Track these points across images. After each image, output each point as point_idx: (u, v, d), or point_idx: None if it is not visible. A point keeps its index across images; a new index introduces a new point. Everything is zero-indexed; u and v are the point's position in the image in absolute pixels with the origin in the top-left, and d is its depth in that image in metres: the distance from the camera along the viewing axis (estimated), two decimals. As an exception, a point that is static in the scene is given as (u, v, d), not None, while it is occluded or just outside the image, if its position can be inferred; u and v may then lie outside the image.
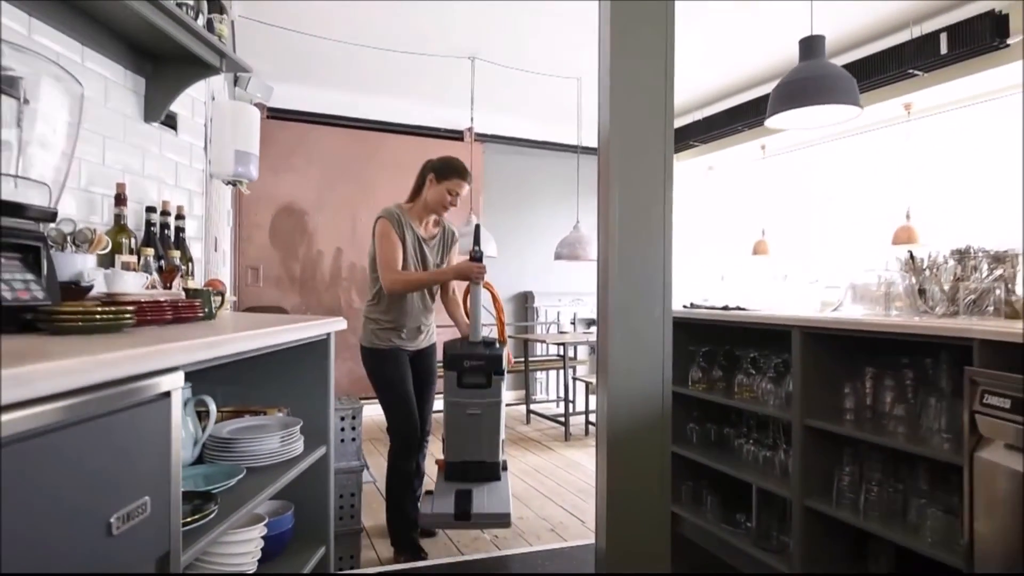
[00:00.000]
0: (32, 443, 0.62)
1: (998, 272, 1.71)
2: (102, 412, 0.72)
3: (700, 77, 5.08)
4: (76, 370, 0.67)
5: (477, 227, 2.51)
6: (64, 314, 0.97)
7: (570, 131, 5.91)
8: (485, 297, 2.50)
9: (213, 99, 2.40)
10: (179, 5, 1.54)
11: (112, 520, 0.73)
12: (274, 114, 5.25)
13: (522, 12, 3.90)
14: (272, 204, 5.25)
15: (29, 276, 1.03)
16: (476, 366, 2.30)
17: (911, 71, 4.10)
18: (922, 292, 1.90)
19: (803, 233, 5.57)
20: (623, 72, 1.82)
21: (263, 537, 1.32)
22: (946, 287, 1.82)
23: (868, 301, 1.98)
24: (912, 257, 1.91)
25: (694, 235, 6.54)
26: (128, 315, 1.03)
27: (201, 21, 1.66)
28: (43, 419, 0.63)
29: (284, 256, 5.32)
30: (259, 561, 1.31)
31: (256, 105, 5.12)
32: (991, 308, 1.71)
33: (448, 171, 2.51)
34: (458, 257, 2.67)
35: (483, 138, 5.93)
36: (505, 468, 2.41)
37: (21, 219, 1.04)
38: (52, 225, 1.29)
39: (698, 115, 5.92)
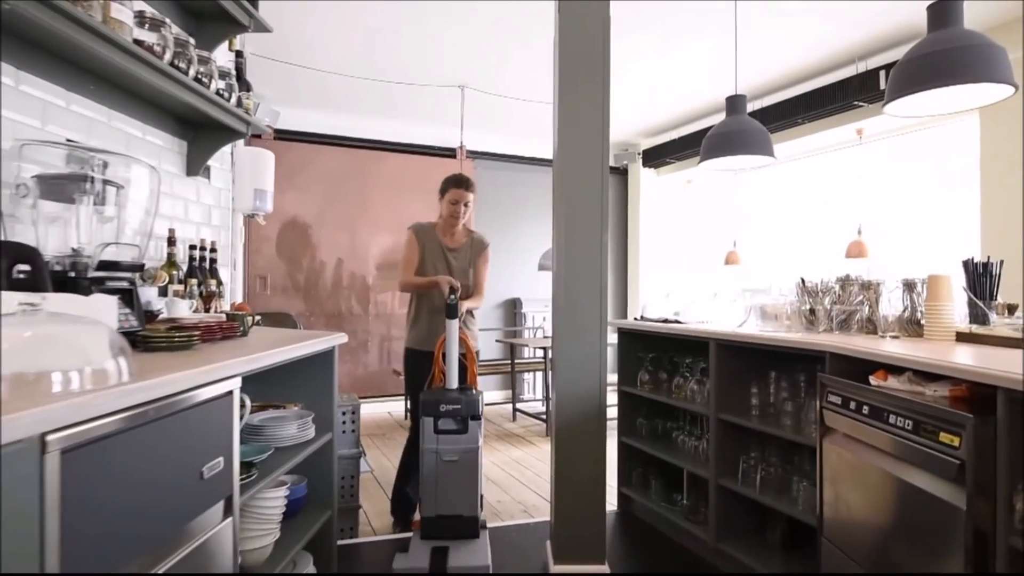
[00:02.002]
0: (163, 421, 1.07)
1: (860, 297, 2.16)
2: (197, 402, 1.18)
3: (674, 100, 5.53)
4: (187, 379, 1.12)
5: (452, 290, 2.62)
6: (154, 338, 1.42)
7: (555, 149, 6.36)
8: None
9: (235, 145, 2.85)
10: (218, 93, 2.00)
11: (203, 470, 1.18)
12: (280, 135, 5.70)
13: (504, 48, 4.35)
14: (279, 219, 5.70)
15: (127, 310, 1.48)
16: (452, 410, 2.32)
17: (856, 103, 4.56)
18: (813, 311, 2.35)
19: (771, 245, 6.03)
20: (569, 112, 2.28)
21: (286, 499, 1.77)
22: (827, 308, 2.27)
23: (771, 318, 2.43)
24: (803, 282, 2.36)
25: (673, 245, 7.00)
26: (195, 337, 1.49)
27: (233, 100, 2.12)
28: (172, 407, 1.08)
29: (289, 266, 5.77)
30: (284, 516, 1.76)
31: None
32: (855, 326, 2.17)
33: (445, 185, 2.90)
34: (487, 263, 2.97)
35: (474, 155, 6.38)
36: (484, 526, 2.42)
37: (121, 272, 1.49)
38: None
39: (674, 134, 6.37)
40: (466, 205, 2.87)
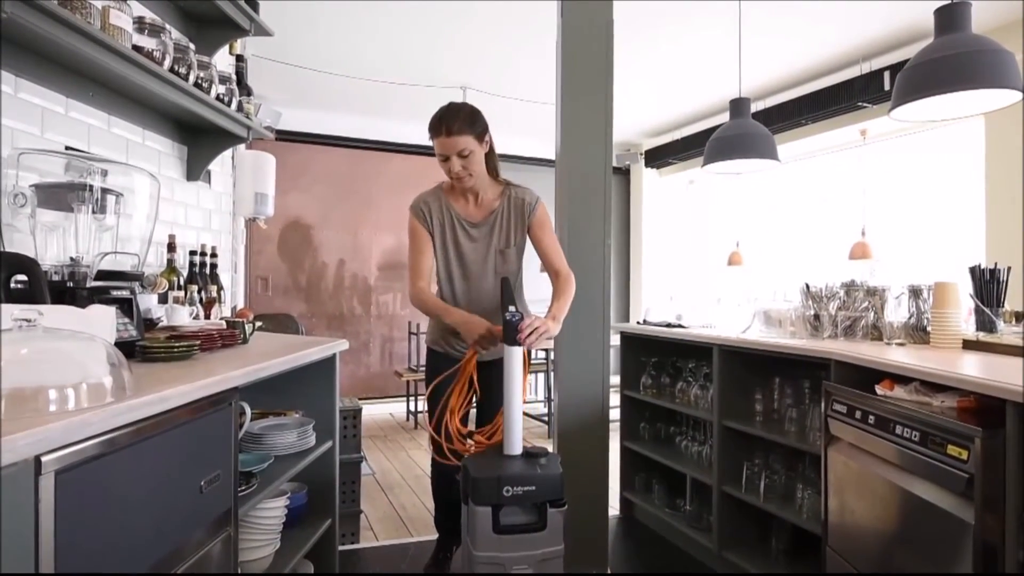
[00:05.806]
0: (160, 436, 1.06)
1: (866, 303, 2.14)
2: (196, 416, 1.16)
3: (677, 100, 5.50)
4: (185, 394, 1.10)
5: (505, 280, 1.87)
6: (154, 348, 1.41)
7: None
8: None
9: (236, 148, 2.84)
10: (218, 98, 1.98)
11: (202, 483, 1.17)
12: (282, 137, 5.69)
13: (506, 49, 4.33)
14: (280, 219, 5.69)
15: (126, 320, 1.47)
16: (524, 494, 1.45)
17: (860, 103, 4.53)
18: (818, 317, 2.33)
19: (774, 245, 6.01)
20: (571, 114, 2.27)
21: (287, 508, 1.76)
22: (832, 314, 2.25)
23: (775, 324, 2.41)
24: (808, 288, 2.34)
25: (675, 245, 6.98)
26: (195, 347, 1.47)
27: (234, 104, 2.10)
28: (169, 422, 1.07)
29: (291, 267, 5.77)
30: (284, 525, 1.75)
31: (265, 129, 5.59)
32: (860, 332, 2.15)
33: (430, 134, 1.91)
34: (547, 229, 2.09)
35: (476, 156, 6.36)
36: None
37: (120, 281, 1.48)
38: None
39: (677, 134, 6.35)
40: (462, 157, 1.88)
